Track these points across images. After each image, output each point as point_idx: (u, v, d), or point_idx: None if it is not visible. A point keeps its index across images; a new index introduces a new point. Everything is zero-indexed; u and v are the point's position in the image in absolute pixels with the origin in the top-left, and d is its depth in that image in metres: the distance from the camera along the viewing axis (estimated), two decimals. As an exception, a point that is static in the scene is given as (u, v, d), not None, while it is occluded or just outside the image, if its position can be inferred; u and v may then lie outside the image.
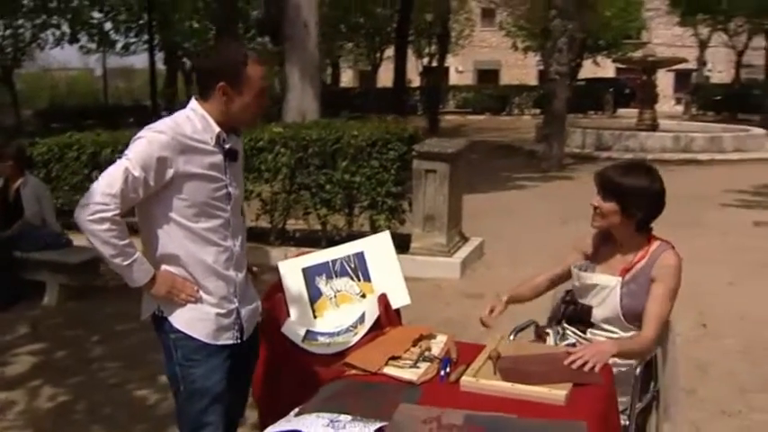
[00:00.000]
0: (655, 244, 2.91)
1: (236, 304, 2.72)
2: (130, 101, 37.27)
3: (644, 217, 2.87)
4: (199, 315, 2.62)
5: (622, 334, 2.88)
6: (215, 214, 2.61)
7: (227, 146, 2.63)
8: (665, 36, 44.33)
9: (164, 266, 2.60)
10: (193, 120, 2.57)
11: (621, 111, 35.05)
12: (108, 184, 2.42)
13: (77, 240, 7.25)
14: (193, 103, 2.62)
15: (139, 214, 2.63)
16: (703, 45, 39.73)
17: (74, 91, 48.21)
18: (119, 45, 26.04)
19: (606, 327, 2.92)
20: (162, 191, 2.52)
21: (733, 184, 13.27)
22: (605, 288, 2.90)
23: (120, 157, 2.51)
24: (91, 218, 2.39)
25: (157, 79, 23.53)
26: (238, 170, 2.73)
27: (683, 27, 39.92)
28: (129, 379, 4.82)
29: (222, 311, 2.67)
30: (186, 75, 29.72)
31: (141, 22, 24.99)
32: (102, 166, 8.13)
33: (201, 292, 2.62)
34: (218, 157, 2.59)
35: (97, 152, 8.22)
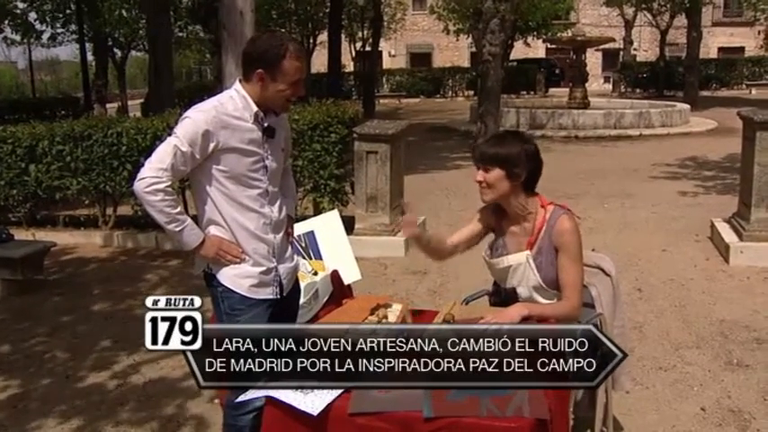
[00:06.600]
0: (549, 209, 2.97)
1: (275, 263, 2.96)
2: (58, 93, 36.15)
3: (528, 175, 2.94)
4: (241, 273, 2.89)
5: (550, 301, 2.96)
6: (253, 184, 2.87)
7: (265, 124, 2.87)
8: (593, 16, 45.26)
9: (212, 228, 2.88)
10: (235, 99, 2.85)
11: (553, 90, 35.82)
12: (159, 159, 2.73)
13: (18, 235, 7.16)
14: (237, 84, 2.89)
15: (192, 184, 2.94)
16: (629, 24, 40.66)
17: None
18: (45, 36, 25.26)
19: (535, 299, 3.00)
20: (206, 162, 2.80)
21: (660, 157, 13.79)
22: (519, 266, 2.99)
23: (168, 136, 2.82)
24: (147, 189, 2.71)
25: (87, 70, 22.90)
26: (276, 145, 2.95)
27: (610, 7, 40.72)
28: (81, 368, 4.83)
29: (262, 269, 2.92)
30: (117, 65, 28.93)
31: (68, 11, 24.24)
32: (38, 159, 8.02)
33: (243, 254, 2.88)
34: (257, 134, 2.86)
35: (33, 145, 7.98)
